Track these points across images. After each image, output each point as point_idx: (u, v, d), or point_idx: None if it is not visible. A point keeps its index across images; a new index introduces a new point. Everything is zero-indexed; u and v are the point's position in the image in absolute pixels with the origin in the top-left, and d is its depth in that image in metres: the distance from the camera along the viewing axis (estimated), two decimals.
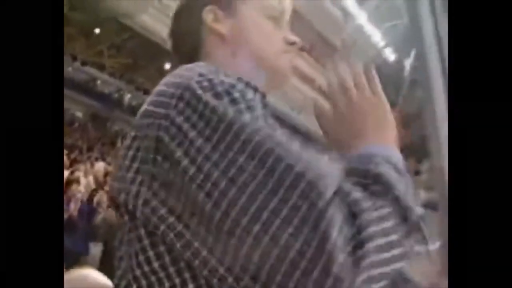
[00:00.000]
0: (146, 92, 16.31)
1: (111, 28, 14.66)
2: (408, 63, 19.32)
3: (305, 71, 19.30)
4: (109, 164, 11.06)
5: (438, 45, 1.41)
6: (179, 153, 0.77)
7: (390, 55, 21.23)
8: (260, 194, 0.72)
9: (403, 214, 0.76)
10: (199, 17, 1.07)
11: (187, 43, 1.09)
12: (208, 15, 1.06)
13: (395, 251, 0.73)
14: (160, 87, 0.87)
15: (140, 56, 16.16)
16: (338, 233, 0.68)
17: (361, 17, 18.90)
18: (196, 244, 0.76)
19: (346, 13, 18.57)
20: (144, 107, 0.88)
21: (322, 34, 20.22)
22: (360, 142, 0.89)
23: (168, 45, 1.15)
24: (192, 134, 0.77)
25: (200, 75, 0.83)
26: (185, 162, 0.76)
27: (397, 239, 0.73)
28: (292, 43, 1.09)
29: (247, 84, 0.85)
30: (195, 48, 1.07)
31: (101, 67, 16.85)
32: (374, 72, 0.96)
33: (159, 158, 0.80)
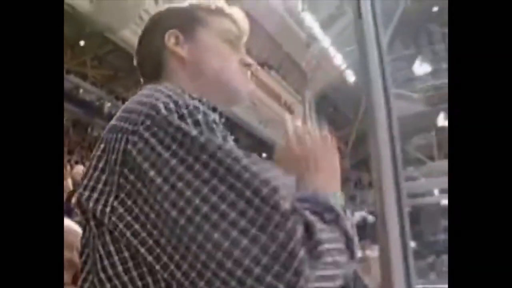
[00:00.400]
0: (125, 101, 16.15)
1: (95, 41, 14.59)
2: None
3: (273, 88, 19.38)
4: None
5: (382, 74, 1.44)
6: (146, 165, 0.79)
7: (350, 77, 21.42)
8: (221, 206, 0.74)
9: (348, 242, 0.83)
10: (162, 39, 1.08)
11: (150, 63, 1.11)
12: (170, 38, 1.08)
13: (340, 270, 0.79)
14: (129, 104, 0.91)
15: (120, 68, 16.10)
16: (299, 245, 0.72)
17: (325, 41, 19.06)
18: (158, 250, 0.78)
19: (312, 37, 18.71)
20: (112, 122, 0.90)
21: (289, 55, 20.37)
22: (308, 188, 0.92)
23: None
24: (159, 148, 0.79)
25: (167, 96, 0.86)
26: (151, 173, 0.78)
27: (343, 261, 0.80)
28: (247, 65, 1.12)
29: (208, 105, 0.88)
30: (157, 68, 1.09)
31: (84, 77, 16.76)
32: (328, 135, 1.02)
33: (125, 170, 0.82)
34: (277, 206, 0.73)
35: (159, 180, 0.77)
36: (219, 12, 1.13)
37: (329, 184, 0.95)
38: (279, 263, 0.71)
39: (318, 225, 0.77)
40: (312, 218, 0.77)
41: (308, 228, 0.75)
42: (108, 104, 15.48)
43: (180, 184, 0.76)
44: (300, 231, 0.73)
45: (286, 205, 0.74)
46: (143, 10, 12.76)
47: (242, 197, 0.74)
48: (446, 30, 25.44)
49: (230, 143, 0.82)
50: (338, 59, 20.20)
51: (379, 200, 1.29)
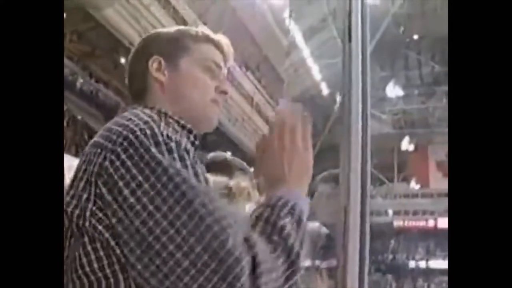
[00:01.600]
0: (98, 80, 16.04)
1: (77, 16, 14.36)
2: (338, 98, 19.81)
3: (247, 89, 19.38)
4: None
5: (362, 89, 1.45)
6: (121, 183, 0.88)
7: (325, 89, 21.61)
8: (181, 234, 0.85)
9: (292, 259, 0.92)
10: (146, 64, 1.16)
11: (136, 84, 1.18)
12: (153, 64, 1.15)
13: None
14: (111, 124, 0.98)
15: (98, 46, 15.88)
16: (241, 268, 0.85)
17: (305, 51, 19.18)
18: (125, 251, 0.88)
19: (293, 45, 18.80)
20: (95, 139, 0.98)
21: (268, 59, 20.41)
22: (280, 185, 1.01)
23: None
24: (134, 171, 0.89)
25: (145, 122, 0.94)
26: (126, 191, 0.88)
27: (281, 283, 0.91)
28: (222, 92, 1.19)
29: (184, 128, 1.02)
30: (141, 90, 1.16)
31: None
32: (310, 130, 1.08)
33: (99, 182, 0.91)
34: (223, 244, 0.85)
35: (132, 199, 0.87)
36: (204, 39, 1.19)
37: (300, 180, 1.04)
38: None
39: (264, 257, 0.88)
40: (262, 248, 0.89)
41: (254, 263, 0.86)
42: (80, 80, 15.22)
43: (151, 207, 0.86)
44: (246, 274, 0.85)
45: (233, 245, 0.85)
46: None
47: (196, 229, 0.85)
48: (423, 58, 25.88)
49: (198, 170, 0.93)
50: (315, 70, 20.34)
51: (344, 213, 1.30)
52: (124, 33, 12.17)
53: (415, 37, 24.14)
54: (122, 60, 13.89)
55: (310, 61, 19.80)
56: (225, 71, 1.22)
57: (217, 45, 1.20)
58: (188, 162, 0.92)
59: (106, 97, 14.34)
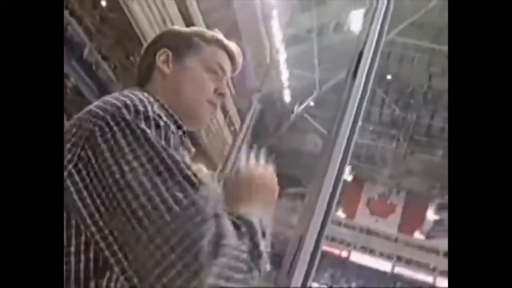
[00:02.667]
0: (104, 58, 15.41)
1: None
2: (296, 108, 20.08)
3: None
4: None
5: (350, 130, 1.46)
6: (107, 152, 0.92)
7: (287, 96, 21.76)
8: (160, 205, 0.87)
9: (256, 255, 0.94)
10: (155, 55, 1.22)
11: (142, 73, 1.24)
12: (161, 56, 1.21)
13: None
14: (107, 97, 1.03)
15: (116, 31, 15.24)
16: (206, 242, 0.85)
17: (282, 56, 19.20)
18: (97, 215, 0.91)
19: (273, 46, 18.75)
20: (90, 106, 1.02)
21: (244, 51, 20.31)
22: (245, 207, 1.05)
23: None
24: (122, 142, 0.93)
25: (140, 100, 1.00)
26: (110, 160, 0.91)
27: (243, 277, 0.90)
28: (221, 95, 1.24)
29: (173, 119, 1.07)
30: (145, 79, 1.22)
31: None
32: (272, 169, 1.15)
33: (86, 146, 0.94)
34: (200, 209, 0.88)
35: (114, 167, 0.90)
36: (216, 42, 1.25)
37: (262, 209, 1.07)
38: (186, 249, 0.84)
39: (231, 240, 0.90)
40: (230, 231, 0.91)
41: (221, 232, 0.88)
42: (86, 51, 14.63)
43: (129, 176, 0.89)
44: (211, 233, 0.86)
45: (209, 209, 0.89)
46: None
47: (175, 197, 0.88)
48: (388, 98, 26.39)
49: (180, 153, 0.96)
50: (284, 77, 20.43)
51: (298, 242, 1.31)
52: (139, 23, 11.84)
53: (388, 77, 24.59)
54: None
55: (283, 67, 19.87)
56: (229, 77, 1.27)
57: (228, 52, 1.26)
58: (171, 143, 0.96)
59: (105, 73, 14.01)
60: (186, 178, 0.91)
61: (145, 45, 1.29)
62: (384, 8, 1.46)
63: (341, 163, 1.40)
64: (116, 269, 0.89)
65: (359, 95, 1.50)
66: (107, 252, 0.90)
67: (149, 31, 11.46)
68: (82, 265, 0.91)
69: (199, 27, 1.33)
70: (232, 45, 1.28)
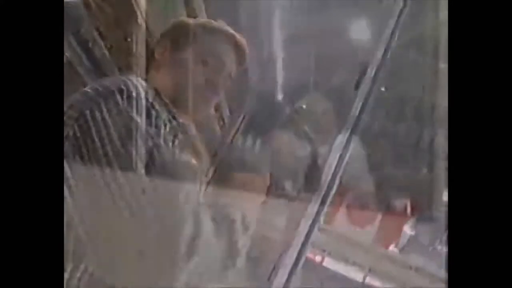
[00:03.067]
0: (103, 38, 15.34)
1: None
2: (287, 110, 20.27)
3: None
4: None
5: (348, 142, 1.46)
6: (94, 135, 0.94)
7: (280, 96, 21.90)
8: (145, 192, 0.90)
9: (233, 253, 0.96)
10: (157, 45, 1.26)
11: (150, 61, 1.25)
12: (160, 46, 1.25)
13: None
14: (103, 80, 1.08)
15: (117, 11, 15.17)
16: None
17: (279, 57, 19.26)
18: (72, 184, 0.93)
19: (270, 45, 18.79)
20: (85, 88, 1.04)
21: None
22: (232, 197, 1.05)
23: None
24: (109, 121, 0.95)
25: (134, 86, 1.01)
26: (97, 144, 0.93)
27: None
28: (213, 85, 1.22)
29: (165, 106, 1.09)
30: (150, 66, 1.24)
31: None
32: None
33: (75, 125, 0.96)
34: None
35: (100, 151, 0.93)
36: (219, 33, 1.26)
37: (248, 202, 1.10)
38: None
39: (208, 226, 0.93)
40: (209, 226, 0.93)
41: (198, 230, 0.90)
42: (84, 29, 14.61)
43: (113, 159, 0.92)
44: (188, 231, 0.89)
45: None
46: None
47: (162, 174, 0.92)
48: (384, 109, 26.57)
49: (168, 140, 0.99)
50: (279, 78, 20.52)
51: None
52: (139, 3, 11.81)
53: (382, 88, 24.74)
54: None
55: (279, 68, 19.96)
56: (233, 69, 1.26)
57: (234, 44, 1.26)
58: (161, 132, 0.99)
59: (100, 52, 13.93)
60: (179, 163, 0.97)
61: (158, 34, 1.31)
62: (394, 24, 1.47)
63: (333, 175, 1.40)
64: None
65: (359, 108, 1.50)
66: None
67: (150, 12, 11.43)
68: None
69: (207, 19, 1.40)
70: (237, 37, 1.27)
